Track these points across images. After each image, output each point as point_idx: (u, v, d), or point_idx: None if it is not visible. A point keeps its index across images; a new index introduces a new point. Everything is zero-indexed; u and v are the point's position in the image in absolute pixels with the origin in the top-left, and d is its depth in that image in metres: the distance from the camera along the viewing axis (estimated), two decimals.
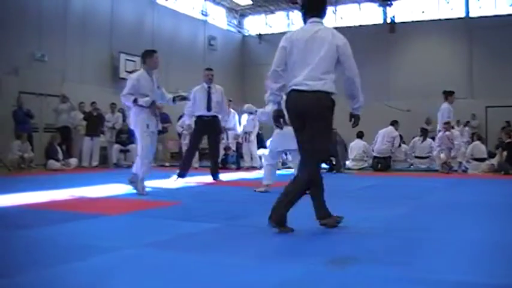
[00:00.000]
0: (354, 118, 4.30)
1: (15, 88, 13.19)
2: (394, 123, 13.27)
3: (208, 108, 8.69)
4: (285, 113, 4.25)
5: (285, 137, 6.15)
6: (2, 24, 13.26)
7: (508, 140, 11.85)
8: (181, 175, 8.76)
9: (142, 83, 6.65)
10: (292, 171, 8.47)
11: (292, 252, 3.34)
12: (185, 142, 11.68)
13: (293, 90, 4.01)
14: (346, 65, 4.02)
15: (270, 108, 5.04)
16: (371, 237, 3.85)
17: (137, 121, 6.63)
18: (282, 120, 4.28)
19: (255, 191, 7.04)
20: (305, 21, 4.19)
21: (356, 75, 4.09)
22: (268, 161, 7.29)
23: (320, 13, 4.17)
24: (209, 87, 8.73)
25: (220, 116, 9.04)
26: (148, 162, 6.75)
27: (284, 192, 3.98)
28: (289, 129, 4.47)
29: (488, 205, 5.95)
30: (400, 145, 13.63)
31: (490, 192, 7.72)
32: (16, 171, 11.34)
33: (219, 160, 13.35)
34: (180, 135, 13.62)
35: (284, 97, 4.23)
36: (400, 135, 14.29)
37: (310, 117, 3.96)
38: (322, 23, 4.15)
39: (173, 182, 8.57)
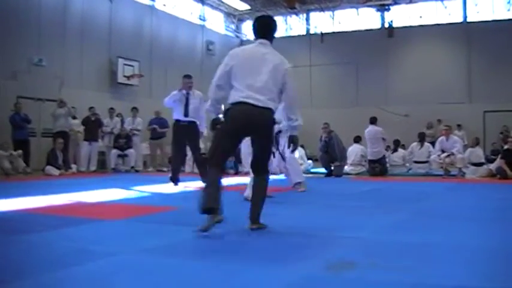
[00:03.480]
0: (293, 140, 4.53)
1: (14, 93, 13.20)
2: (373, 120, 13.08)
3: (185, 114, 8.76)
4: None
5: None
6: (1, 29, 13.28)
7: (506, 147, 11.87)
8: (173, 180, 8.83)
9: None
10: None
11: (290, 257, 3.33)
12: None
13: (244, 102, 4.12)
14: (289, 86, 4.29)
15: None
16: (368, 242, 3.84)
17: None
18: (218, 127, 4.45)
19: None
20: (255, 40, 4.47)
21: (296, 95, 4.42)
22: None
23: (267, 36, 4.43)
24: (187, 93, 8.78)
25: (198, 122, 9.03)
26: None
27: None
28: None
29: (486, 210, 5.96)
30: (396, 149, 13.69)
31: (487, 197, 7.73)
32: (14, 177, 11.32)
33: None
34: None
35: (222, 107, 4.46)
36: (398, 140, 14.32)
37: (261, 131, 4.23)
38: (269, 45, 4.40)
39: (171, 187, 8.61)
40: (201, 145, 13.11)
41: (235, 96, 4.18)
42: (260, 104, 4.12)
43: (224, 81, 4.29)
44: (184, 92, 8.78)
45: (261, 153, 4.35)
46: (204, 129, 9.31)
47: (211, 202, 3.95)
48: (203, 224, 3.92)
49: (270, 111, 4.19)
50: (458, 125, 18.40)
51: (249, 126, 4.17)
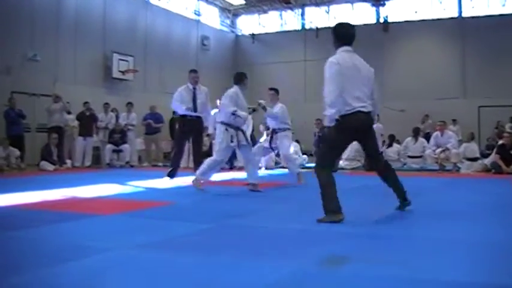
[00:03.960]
0: None
1: (8, 88, 13.15)
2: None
3: (194, 109, 8.75)
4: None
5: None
6: None
7: (501, 142, 11.90)
8: (170, 175, 8.81)
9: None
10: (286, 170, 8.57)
11: (284, 252, 3.34)
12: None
13: (355, 113, 4.55)
14: (375, 88, 4.85)
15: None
16: (363, 236, 3.85)
17: None
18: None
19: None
20: (337, 47, 4.75)
21: None
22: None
23: (351, 43, 4.77)
24: (194, 88, 8.78)
25: (203, 116, 9.03)
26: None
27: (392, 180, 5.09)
28: None
29: (482, 204, 5.97)
30: (391, 144, 13.67)
31: (483, 192, 7.75)
32: (8, 172, 11.28)
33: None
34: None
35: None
36: (393, 135, 14.33)
37: (370, 132, 4.82)
38: (353, 51, 4.76)
39: (166, 182, 8.60)
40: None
41: (345, 108, 4.53)
42: (366, 110, 4.63)
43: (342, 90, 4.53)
44: (191, 86, 8.78)
45: (375, 149, 5.02)
46: (210, 125, 9.28)
47: (335, 203, 4.40)
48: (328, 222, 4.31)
49: (371, 113, 4.74)
50: (454, 120, 18.43)
51: (361, 132, 4.70)
